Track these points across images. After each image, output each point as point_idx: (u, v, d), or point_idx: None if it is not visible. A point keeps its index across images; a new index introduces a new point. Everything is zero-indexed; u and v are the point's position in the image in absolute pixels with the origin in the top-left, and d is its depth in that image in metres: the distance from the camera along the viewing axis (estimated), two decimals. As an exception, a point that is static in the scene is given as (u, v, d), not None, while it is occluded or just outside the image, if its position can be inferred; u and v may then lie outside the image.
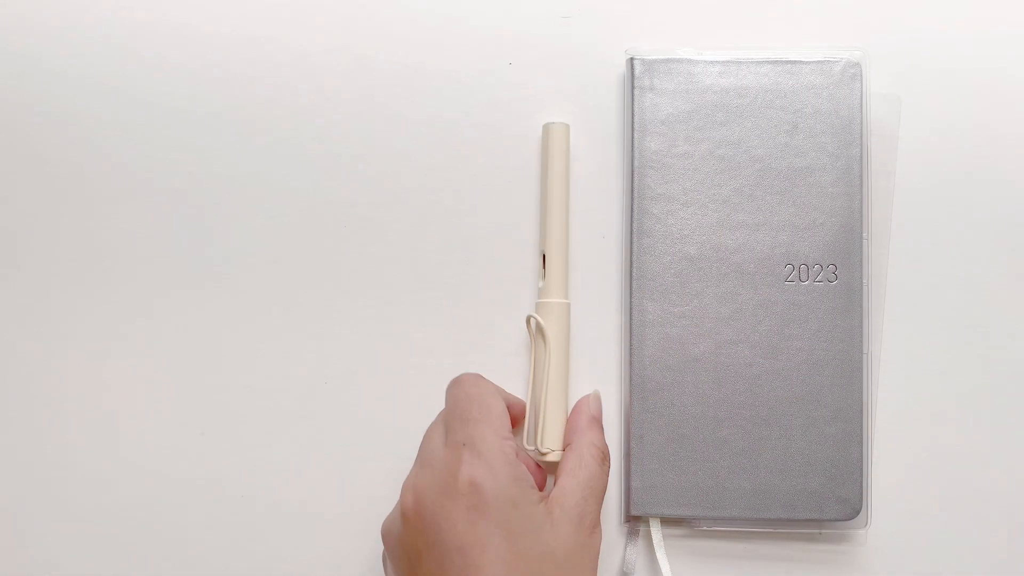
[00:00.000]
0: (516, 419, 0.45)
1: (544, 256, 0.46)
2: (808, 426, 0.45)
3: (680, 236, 0.46)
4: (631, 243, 0.46)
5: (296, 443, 0.48)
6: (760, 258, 0.46)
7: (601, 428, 0.45)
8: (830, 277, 0.46)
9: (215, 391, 0.48)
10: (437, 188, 0.48)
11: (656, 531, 0.46)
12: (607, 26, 0.49)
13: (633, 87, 0.47)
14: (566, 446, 0.44)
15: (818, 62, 0.46)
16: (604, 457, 0.43)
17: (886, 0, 0.49)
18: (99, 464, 0.48)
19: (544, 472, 0.45)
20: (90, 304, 0.49)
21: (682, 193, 0.46)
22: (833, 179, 0.46)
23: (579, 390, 0.47)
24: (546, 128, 0.47)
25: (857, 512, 0.45)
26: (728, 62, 0.47)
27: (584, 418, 0.44)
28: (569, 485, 0.41)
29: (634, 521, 0.46)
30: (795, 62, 0.46)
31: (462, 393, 0.42)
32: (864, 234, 0.46)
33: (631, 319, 0.46)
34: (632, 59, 0.47)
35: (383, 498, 0.47)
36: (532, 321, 0.46)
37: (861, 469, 0.45)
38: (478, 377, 0.43)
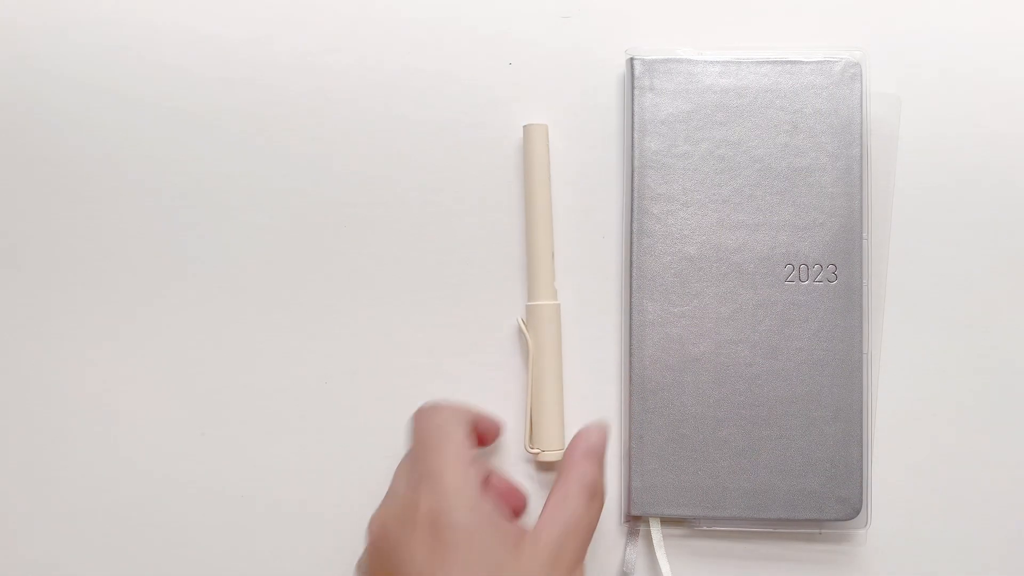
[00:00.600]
0: (485, 437, 0.44)
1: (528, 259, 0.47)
2: (808, 426, 0.45)
3: (680, 236, 0.46)
4: (631, 243, 0.46)
5: (296, 443, 0.48)
6: (760, 258, 0.46)
7: (599, 461, 0.41)
8: (830, 277, 0.46)
9: (215, 391, 0.48)
10: (437, 188, 0.48)
11: (656, 531, 0.46)
12: (607, 26, 0.49)
13: (633, 87, 0.47)
14: (559, 478, 0.41)
15: (818, 62, 0.46)
16: (594, 494, 0.40)
17: (886, 0, 0.49)
18: (99, 464, 0.48)
19: (523, 497, 0.45)
20: (90, 304, 0.49)
21: (682, 193, 0.46)
22: (833, 179, 0.46)
23: (579, 391, 0.47)
24: (525, 130, 0.47)
25: (857, 512, 0.45)
26: (728, 62, 0.47)
27: (579, 450, 0.41)
28: (546, 521, 0.39)
29: (634, 521, 0.46)
30: (795, 62, 0.46)
31: (421, 424, 0.41)
32: (864, 234, 0.46)
33: (631, 319, 0.46)
34: (632, 59, 0.47)
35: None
36: (520, 323, 0.47)
37: (861, 469, 0.45)
38: (436, 406, 0.42)
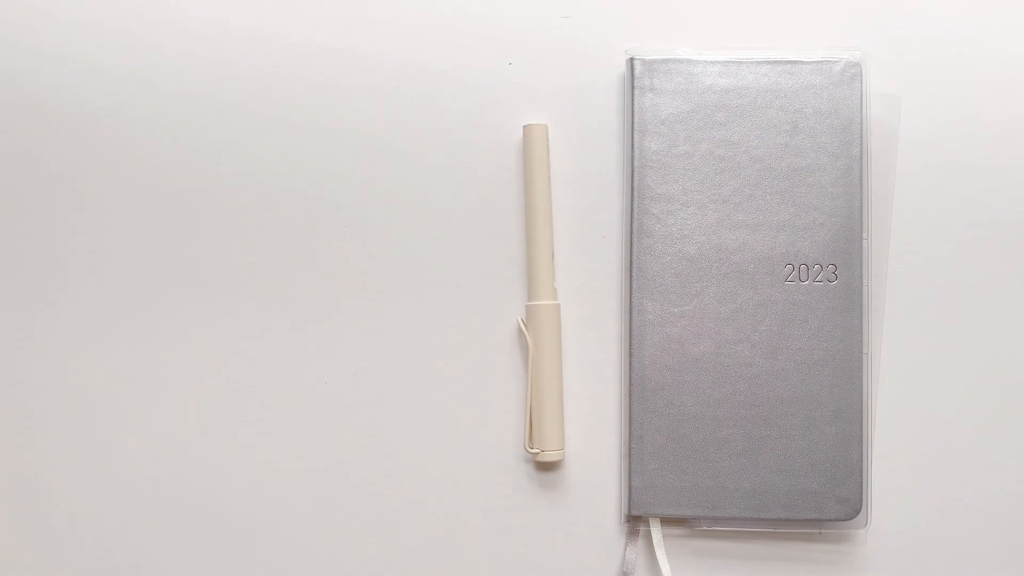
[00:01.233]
0: None
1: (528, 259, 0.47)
2: (808, 426, 0.45)
3: (680, 236, 0.46)
4: (631, 243, 0.46)
5: (296, 443, 0.48)
6: (760, 258, 0.46)
7: None
8: (830, 277, 0.46)
9: (215, 391, 0.48)
10: (437, 188, 0.48)
11: (656, 531, 0.46)
12: (607, 26, 0.49)
13: (633, 87, 0.47)
14: None
15: (818, 62, 0.46)
16: None
17: (886, 0, 0.49)
18: (99, 464, 0.48)
19: None
20: (90, 304, 0.49)
21: (682, 193, 0.46)
22: (833, 179, 0.46)
23: (579, 391, 0.47)
24: (525, 130, 0.47)
25: (857, 512, 0.45)
26: (728, 62, 0.47)
27: None
28: None
29: (634, 521, 0.46)
30: (795, 62, 0.46)
31: None
32: (864, 234, 0.46)
33: (631, 319, 0.46)
34: (632, 59, 0.47)
35: (383, 498, 0.47)
36: (520, 323, 0.47)
37: (861, 469, 0.45)
38: None
